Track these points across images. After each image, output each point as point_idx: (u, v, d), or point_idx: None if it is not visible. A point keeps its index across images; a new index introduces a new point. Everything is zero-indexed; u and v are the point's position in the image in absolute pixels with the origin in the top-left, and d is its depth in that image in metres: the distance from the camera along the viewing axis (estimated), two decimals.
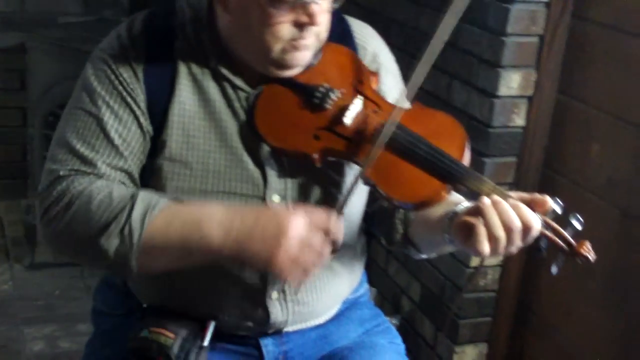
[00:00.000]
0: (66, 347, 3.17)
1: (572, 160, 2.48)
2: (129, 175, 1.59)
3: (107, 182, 1.54)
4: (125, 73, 1.59)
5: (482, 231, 1.42)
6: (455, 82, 2.68)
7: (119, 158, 1.57)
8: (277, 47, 1.53)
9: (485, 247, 1.43)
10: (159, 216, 1.49)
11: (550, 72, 2.48)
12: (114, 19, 4.04)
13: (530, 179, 2.56)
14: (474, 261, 2.62)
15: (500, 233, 1.42)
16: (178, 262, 1.54)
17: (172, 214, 1.50)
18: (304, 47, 1.55)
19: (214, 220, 1.48)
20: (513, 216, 1.42)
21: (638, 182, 2.24)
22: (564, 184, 2.48)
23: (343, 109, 1.58)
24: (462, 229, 1.49)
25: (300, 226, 1.45)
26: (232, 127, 1.60)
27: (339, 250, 1.68)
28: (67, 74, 3.42)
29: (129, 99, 1.58)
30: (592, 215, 1.48)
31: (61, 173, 1.54)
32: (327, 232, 1.47)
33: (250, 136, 1.60)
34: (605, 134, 2.36)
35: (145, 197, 1.52)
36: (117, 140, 1.57)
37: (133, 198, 1.51)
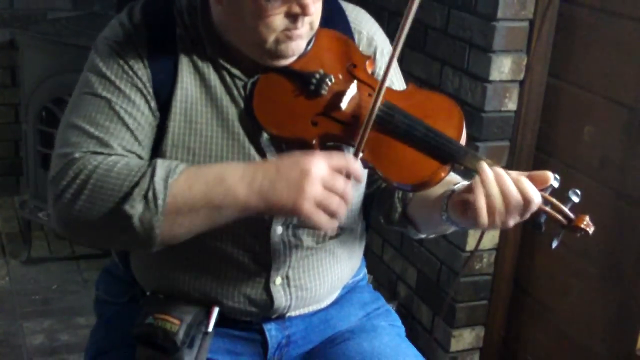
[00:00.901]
0: (65, 340, 3.18)
1: (565, 143, 2.51)
2: (142, 159, 1.57)
3: (121, 157, 1.53)
4: (132, 59, 1.59)
5: (481, 202, 1.45)
6: (447, 68, 2.70)
7: (133, 141, 1.56)
8: (271, 38, 1.53)
9: (484, 218, 1.45)
10: (181, 177, 1.48)
11: (540, 55, 2.51)
12: (103, 13, 4.04)
13: (523, 162, 2.59)
14: (470, 245, 2.65)
15: (499, 203, 1.44)
16: (203, 223, 1.51)
17: (194, 174, 1.50)
18: (297, 37, 1.56)
19: (237, 174, 1.48)
20: (512, 187, 1.44)
21: (630, 162, 2.27)
22: (557, 166, 2.51)
23: (339, 94, 1.59)
24: (461, 205, 1.51)
25: (321, 169, 1.45)
26: (233, 114, 1.61)
27: (339, 234, 1.71)
28: (58, 69, 3.42)
29: (138, 83, 1.58)
30: (585, 196, 1.49)
31: (77, 155, 1.52)
32: (348, 174, 1.47)
33: (251, 124, 1.61)
34: (596, 115, 2.39)
35: (164, 162, 1.51)
36: (132, 124, 1.56)
37: (152, 164, 1.50)
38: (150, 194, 1.47)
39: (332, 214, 1.46)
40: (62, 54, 3.40)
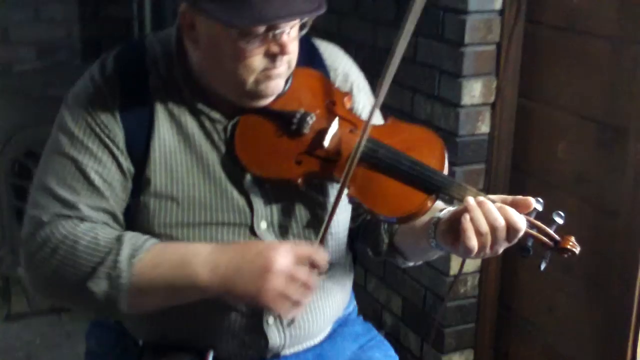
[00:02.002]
0: None
1: (540, 161, 2.54)
2: (112, 215, 1.60)
3: (91, 225, 1.55)
4: (102, 114, 1.59)
5: (469, 226, 1.46)
6: (418, 96, 2.73)
7: (101, 199, 1.58)
8: (250, 79, 1.55)
9: (473, 241, 1.46)
10: (146, 257, 1.51)
11: (509, 77, 2.54)
12: (68, 61, 4.04)
13: (500, 184, 2.61)
14: (453, 269, 2.66)
15: (485, 228, 1.46)
16: (166, 301, 1.56)
17: (159, 254, 1.52)
18: (276, 76, 1.57)
19: (201, 258, 1.50)
20: (497, 214, 1.47)
21: (606, 176, 2.30)
22: (534, 185, 2.53)
23: (321, 132, 1.61)
24: (449, 231, 1.53)
25: (285, 261, 1.47)
26: (213, 159, 1.62)
27: (329, 270, 1.71)
28: (29, 122, 3.42)
29: (107, 140, 1.59)
30: (564, 212, 1.52)
31: (44, 218, 1.55)
32: (312, 264, 1.50)
33: (233, 166, 1.62)
34: (569, 132, 2.42)
35: (131, 238, 1.53)
36: (98, 182, 1.57)
37: (119, 240, 1.52)
38: (113, 273, 1.50)
39: (294, 304, 1.48)
40: (31, 106, 3.40)
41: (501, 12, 2.49)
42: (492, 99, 2.56)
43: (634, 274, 2.23)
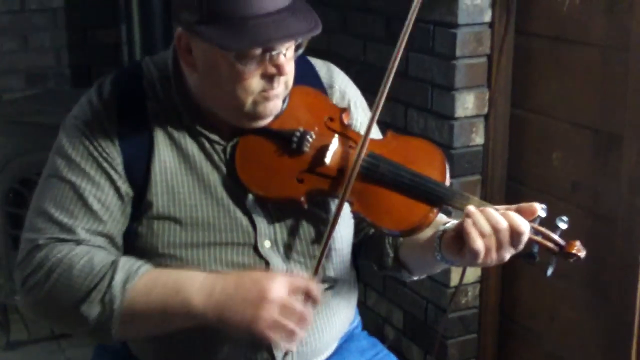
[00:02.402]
0: None
1: (535, 170, 2.56)
2: (110, 239, 1.60)
3: (87, 248, 1.56)
4: (100, 138, 1.60)
5: (472, 229, 1.48)
6: (411, 110, 2.75)
7: (98, 223, 1.58)
8: (248, 101, 1.56)
9: (478, 242, 1.47)
10: (140, 282, 1.51)
11: (501, 88, 2.57)
12: (59, 88, 4.05)
13: (496, 194, 2.63)
14: (454, 280, 2.67)
15: (488, 229, 1.47)
16: (159, 328, 1.56)
17: (153, 279, 1.53)
18: (274, 97, 1.58)
19: (195, 284, 1.50)
20: (498, 217, 1.48)
21: (602, 182, 2.32)
22: (530, 194, 2.55)
23: (321, 149, 1.62)
24: (454, 242, 1.54)
25: (279, 292, 1.47)
26: (214, 180, 1.63)
27: (334, 286, 1.72)
28: (22, 149, 3.40)
29: (104, 164, 1.59)
30: (555, 223, 1.53)
31: (40, 242, 1.55)
32: (307, 295, 1.50)
33: (234, 187, 1.63)
34: (563, 140, 2.44)
35: (126, 263, 1.54)
36: (96, 205, 1.58)
37: (114, 265, 1.53)
38: (106, 298, 1.50)
39: (289, 334, 1.48)
40: (24, 134, 3.39)
41: (491, 25, 2.52)
42: (485, 110, 2.58)
43: (635, 278, 2.24)
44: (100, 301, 1.50)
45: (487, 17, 2.51)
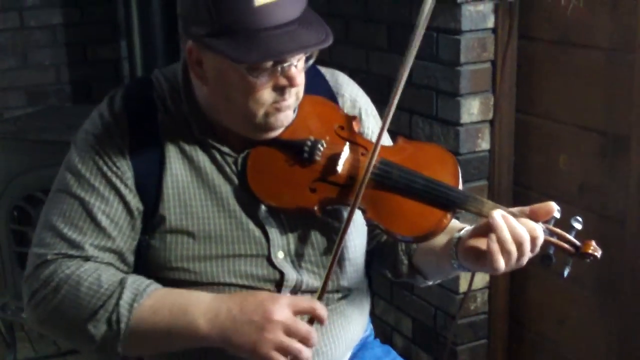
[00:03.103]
0: None
1: (542, 174, 2.56)
2: (119, 255, 1.60)
3: (95, 265, 1.56)
4: (111, 153, 1.60)
5: (495, 248, 1.47)
6: (416, 117, 2.75)
7: (107, 239, 1.58)
8: (260, 112, 1.56)
9: (501, 263, 1.47)
10: (147, 302, 1.52)
11: (506, 93, 2.57)
12: (60, 105, 4.05)
13: (503, 199, 2.63)
14: (462, 286, 2.67)
15: (512, 247, 1.47)
16: (164, 348, 1.57)
17: (161, 300, 1.53)
18: (286, 108, 1.58)
19: (201, 306, 1.51)
20: (521, 229, 1.47)
21: (610, 184, 2.33)
22: (537, 198, 2.53)
23: (333, 158, 1.62)
24: (473, 252, 1.54)
25: (283, 315, 1.48)
26: (227, 192, 1.63)
27: (348, 295, 1.72)
28: (26, 167, 3.40)
29: (114, 179, 1.59)
30: (569, 222, 1.54)
31: (48, 257, 1.56)
32: (312, 318, 1.51)
33: (247, 198, 1.63)
34: (569, 143, 2.45)
35: (134, 282, 1.54)
36: (105, 222, 1.58)
37: (122, 283, 1.53)
38: (114, 317, 1.51)
39: (294, 356, 1.48)
40: (28, 151, 3.38)
41: (494, 30, 2.53)
42: (490, 115, 2.59)
43: None
44: (107, 320, 1.51)
45: (490, 23, 2.52)
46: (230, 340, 1.49)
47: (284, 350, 1.47)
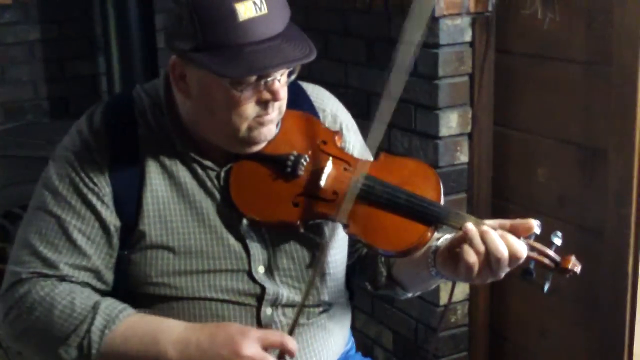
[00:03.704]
0: None
1: (520, 187, 2.58)
2: (95, 273, 1.60)
3: (70, 287, 1.56)
4: (89, 170, 1.60)
5: (471, 260, 1.48)
6: (395, 130, 2.76)
7: (83, 257, 1.58)
8: (243, 126, 1.56)
9: (476, 273, 1.48)
10: (118, 330, 1.52)
11: (484, 106, 2.59)
12: (38, 121, 4.02)
13: (482, 211, 2.64)
14: (443, 299, 2.68)
15: (487, 259, 1.48)
16: None
17: (131, 329, 1.53)
18: (269, 122, 1.59)
19: (172, 337, 1.51)
20: (499, 244, 1.48)
21: (589, 197, 2.34)
22: (516, 210, 2.57)
23: (316, 173, 1.62)
24: (450, 261, 1.55)
25: (253, 347, 1.48)
26: (207, 207, 1.63)
27: (328, 310, 1.72)
28: (4, 182, 3.38)
29: (89, 196, 1.59)
30: (549, 235, 1.54)
31: (23, 276, 1.56)
32: (282, 351, 1.51)
33: (228, 213, 1.63)
34: (547, 156, 2.47)
35: (106, 308, 1.54)
36: (80, 240, 1.58)
37: (95, 309, 1.53)
38: (85, 343, 1.51)
39: None
40: (5, 166, 3.37)
41: (472, 44, 2.55)
42: (468, 128, 2.61)
43: (624, 292, 2.26)
44: (78, 346, 1.51)
45: (468, 36, 2.54)
46: None
47: None
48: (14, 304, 1.54)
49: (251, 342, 1.48)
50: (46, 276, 1.56)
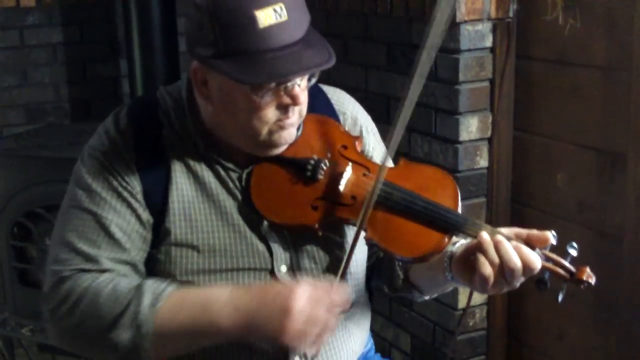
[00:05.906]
0: None
1: (540, 192, 2.59)
2: (133, 266, 1.62)
3: (111, 276, 1.57)
4: (119, 167, 1.62)
5: (486, 270, 1.49)
6: (415, 135, 2.78)
7: (122, 251, 1.60)
8: (264, 130, 1.58)
9: (490, 283, 1.49)
10: (167, 303, 1.53)
11: (504, 111, 2.61)
12: (59, 122, 4.06)
13: (501, 216, 2.66)
14: (461, 302, 2.69)
15: (502, 270, 1.49)
16: (189, 346, 1.58)
17: (179, 301, 1.54)
18: (289, 126, 1.60)
19: (221, 302, 1.52)
20: (513, 255, 1.48)
21: (607, 202, 2.35)
22: (535, 215, 2.58)
23: (335, 177, 1.64)
24: (465, 269, 1.56)
25: (304, 302, 1.48)
26: (231, 207, 1.65)
27: (349, 309, 1.74)
28: (27, 183, 3.41)
29: (125, 193, 1.62)
30: (567, 240, 1.55)
31: (65, 274, 1.57)
32: (331, 303, 1.51)
33: (250, 213, 1.65)
34: (567, 161, 2.48)
35: (151, 285, 1.55)
36: (118, 234, 1.60)
37: (140, 288, 1.54)
38: (136, 322, 1.52)
39: (315, 341, 1.49)
40: (28, 167, 3.39)
41: (492, 50, 2.57)
42: (488, 133, 2.62)
43: None
44: (129, 326, 1.51)
45: (489, 42, 2.55)
46: (253, 331, 1.50)
47: (305, 336, 1.48)
48: (60, 302, 1.55)
49: (302, 296, 1.48)
50: (87, 271, 1.57)
